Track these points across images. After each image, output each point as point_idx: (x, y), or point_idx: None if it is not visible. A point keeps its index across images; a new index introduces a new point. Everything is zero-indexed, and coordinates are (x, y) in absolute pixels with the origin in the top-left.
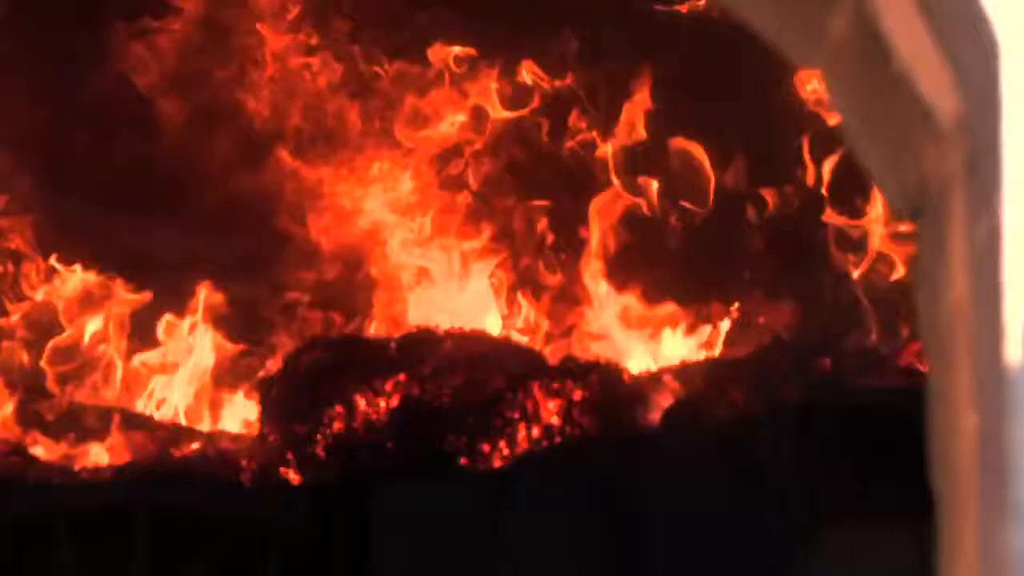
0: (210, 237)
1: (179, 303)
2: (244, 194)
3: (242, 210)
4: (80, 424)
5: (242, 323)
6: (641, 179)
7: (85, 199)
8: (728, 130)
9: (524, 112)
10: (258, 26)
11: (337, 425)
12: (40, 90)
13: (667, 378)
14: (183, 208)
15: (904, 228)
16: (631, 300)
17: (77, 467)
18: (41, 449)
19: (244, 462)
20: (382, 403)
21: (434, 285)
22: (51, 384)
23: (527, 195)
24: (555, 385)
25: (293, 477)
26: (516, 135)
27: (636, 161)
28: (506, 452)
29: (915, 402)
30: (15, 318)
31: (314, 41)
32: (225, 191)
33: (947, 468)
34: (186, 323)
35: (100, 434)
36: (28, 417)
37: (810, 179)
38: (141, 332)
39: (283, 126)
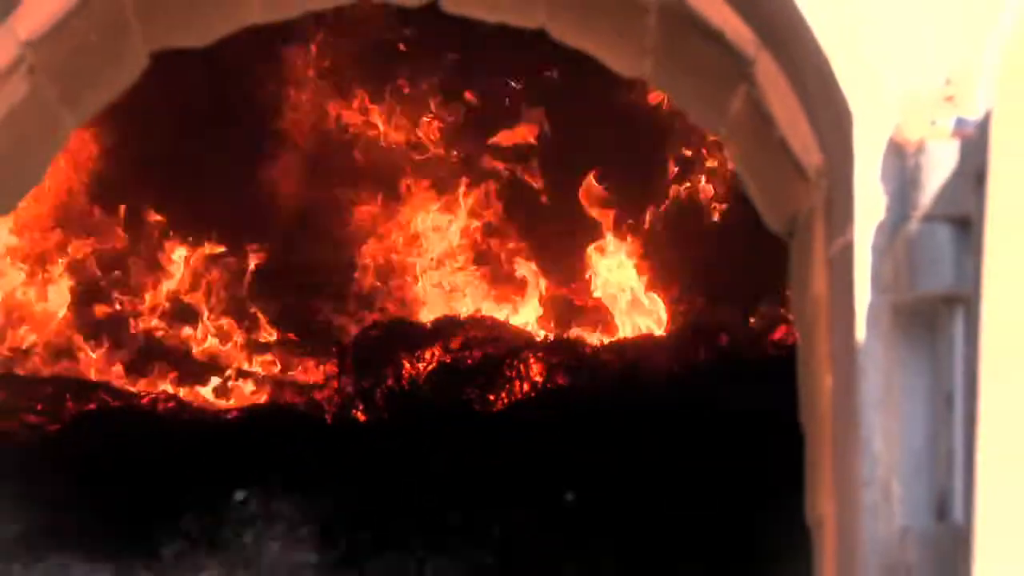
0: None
1: None
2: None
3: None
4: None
5: None
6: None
7: None
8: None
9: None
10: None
11: (391, 381)
12: None
13: (619, 349)
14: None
15: None
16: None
17: (211, 408)
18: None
19: (327, 406)
20: (422, 367)
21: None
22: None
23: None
24: (540, 354)
25: (360, 417)
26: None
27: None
28: (506, 400)
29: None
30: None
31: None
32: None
33: (811, 414)
34: None
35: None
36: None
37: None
38: None
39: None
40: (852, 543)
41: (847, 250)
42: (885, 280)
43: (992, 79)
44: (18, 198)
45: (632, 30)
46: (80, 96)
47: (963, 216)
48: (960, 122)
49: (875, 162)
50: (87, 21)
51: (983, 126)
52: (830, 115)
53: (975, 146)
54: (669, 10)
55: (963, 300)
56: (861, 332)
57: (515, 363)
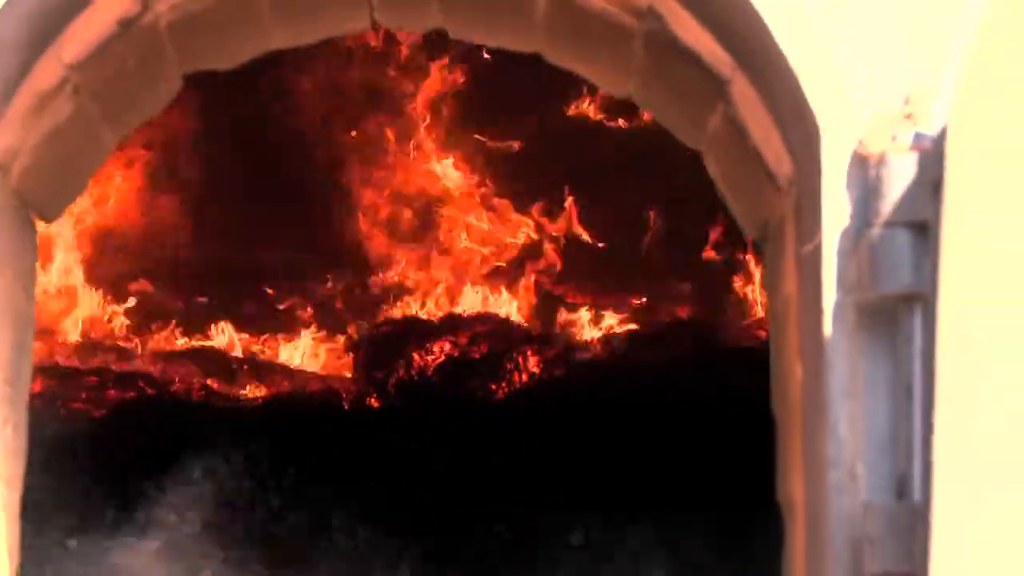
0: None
1: None
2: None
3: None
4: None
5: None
6: None
7: None
8: None
9: None
10: None
11: (401, 372)
12: None
13: (606, 343)
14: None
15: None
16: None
17: (239, 396)
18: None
19: (344, 395)
20: (430, 359)
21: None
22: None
23: None
24: (536, 347)
25: (374, 404)
26: None
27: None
28: (506, 389)
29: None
30: None
31: None
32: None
33: (782, 401)
34: None
35: (255, 375)
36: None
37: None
38: None
39: None
40: (820, 519)
41: (815, 253)
42: (850, 281)
43: (947, 98)
44: (63, 207)
45: (620, 54)
46: (119, 115)
47: (921, 222)
48: (918, 136)
49: (841, 173)
50: (126, 46)
51: (939, 140)
52: (800, 130)
53: (932, 158)
54: (653, 36)
55: (921, 299)
56: (828, 328)
57: (515, 355)
